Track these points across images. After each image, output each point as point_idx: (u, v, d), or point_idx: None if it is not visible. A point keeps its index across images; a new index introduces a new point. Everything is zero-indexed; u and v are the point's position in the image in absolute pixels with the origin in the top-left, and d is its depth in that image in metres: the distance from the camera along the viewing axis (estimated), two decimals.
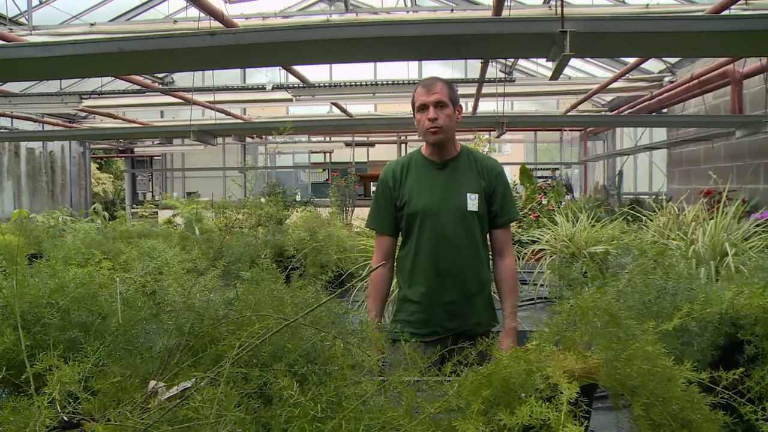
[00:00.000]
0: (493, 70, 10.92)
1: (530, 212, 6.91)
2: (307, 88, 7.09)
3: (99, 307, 1.82)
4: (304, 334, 1.57)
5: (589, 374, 1.62)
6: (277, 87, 7.59)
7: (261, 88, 7.68)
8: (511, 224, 3.05)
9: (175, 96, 8.91)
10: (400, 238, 2.96)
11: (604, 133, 13.30)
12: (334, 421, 0.97)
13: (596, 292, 1.57)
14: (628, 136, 11.96)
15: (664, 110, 9.68)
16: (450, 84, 2.78)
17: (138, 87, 7.94)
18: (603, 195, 10.41)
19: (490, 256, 2.92)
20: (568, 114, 10.35)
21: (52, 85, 9.39)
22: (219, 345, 1.48)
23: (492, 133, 8.13)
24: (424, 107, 2.74)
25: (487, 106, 10.58)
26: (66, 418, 1.44)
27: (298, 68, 7.03)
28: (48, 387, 1.54)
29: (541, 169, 15.50)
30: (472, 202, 2.82)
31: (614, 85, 8.88)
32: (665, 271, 2.28)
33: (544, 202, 7.41)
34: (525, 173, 9.31)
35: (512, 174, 12.16)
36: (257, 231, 6.42)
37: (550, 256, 4.30)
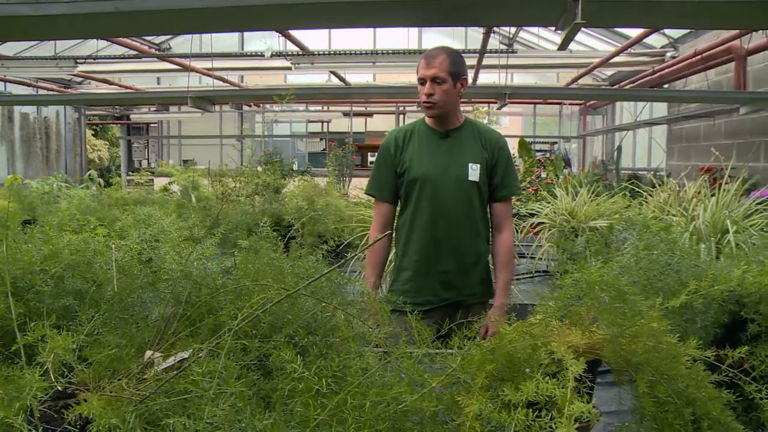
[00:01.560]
0: (495, 42, 10.81)
1: (529, 185, 6.88)
2: (306, 56, 6.99)
3: (94, 274, 1.79)
4: (304, 305, 1.54)
5: (593, 350, 1.60)
6: (276, 55, 7.48)
7: (260, 56, 7.56)
8: (512, 198, 3.01)
9: (171, 62, 8.78)
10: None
11: (603, 107, 13.20)
12: (339, 396, 0.94)
13: (602, 267, 1.54)
14: (627, 112, 11.88)
15: (666, 86, 9.59)
16: (455, 56, 2.72)
17: (134, 53, 7.81)
18: (601, 170, 10.37)
19: (490, 229, 2.90)
20: (570, 87, 10.26)
21: (46, 49, 9.24)
22: (217, 315, 1.45)
23: (492, 105, 8.05)
24: (422, 81, 2.70)
25: (486, 78, 10.46)
26: (60, 389, 1.41)
27: (297, 36, 6.93)
28: (41, 356, 1.51)
29: (540, 142, 15.42)
30: (473, 172, 2.80)
31: (615, 59, 8.79)
32: (669, 247, 2.26)
33: (543, 175, 7.36)
34: (524, 146, 9.25)
35: (511, 147, 12.10)
36: (254, 200, 6.38)
37: (549, 230, 4.27)
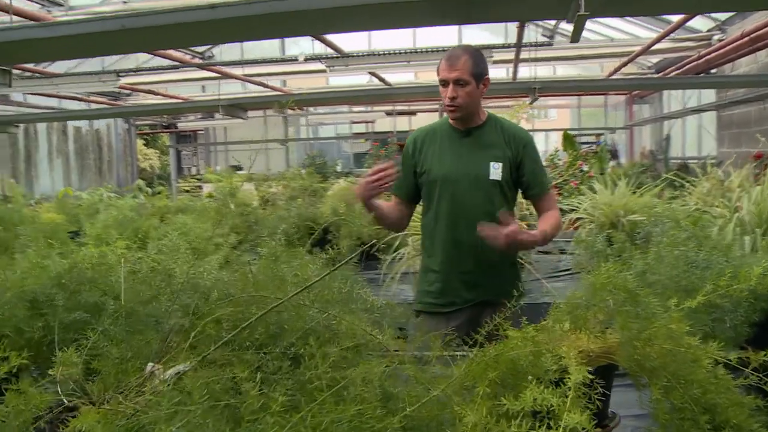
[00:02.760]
0: (535, 34, 10.63)
1: (571, 179, 6.74)
2: (341, 58, 7.00)
3: (110, 287, 1.82)
4: (306, 314, 1.53)
5: (608, 354, 1.54)
6: (310, 58, 7.51)
7: (293, 60, 7.60)
8: (550, 191, 2.93)
9: (211, 70, 8.92)
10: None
11: (650, 96, 12.84)
12: (301, 414, 0.92)
13: (615, 267, 1.48)
14: (675, 99, 11.52)
15: (713, 71, 9.27)
16: (477, 56, 2.68)
17: (173, 63, 7.97)
18: (650, 160, 10.08)
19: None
20: (606, 78, 10.00)
21: (93, 64, 9.51)
22: (217, 326, 1.45)
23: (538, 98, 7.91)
24: (444, 83, 2.67)
25: (526, 72, 10.32)
26: (66, 401, 1.43)
27: (331, 38, 6.94)
28: (52, 369, 1.54)
29: (586, 134, 15.10)
30: (495, 170, 2.75)
31: (659, 45, 8.52)
32: (699, 242, 2.17)
33: (585, 168, 7.20)
34: (568, 139, 9.06)
35: (557, 141, 11.88)
36: (295, 202, 6.42)
37: (589, 225, 4.17)
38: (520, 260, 4.06)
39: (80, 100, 11.86)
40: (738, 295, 1.51)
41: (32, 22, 1.94)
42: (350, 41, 10.13)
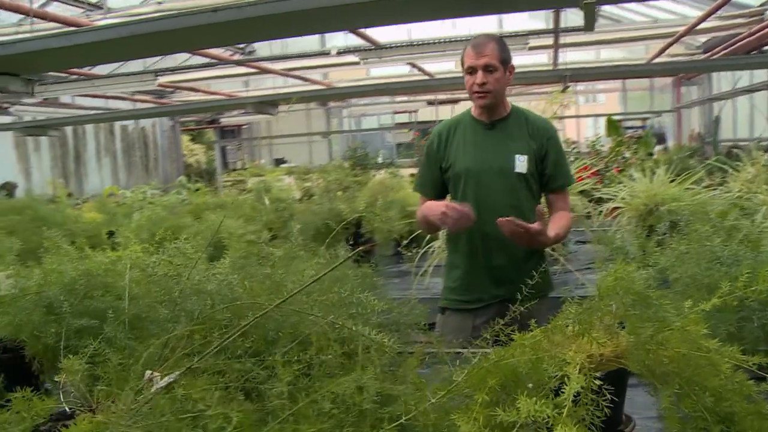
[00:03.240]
0: (577, 18, 10.36)
1: (613, 166, 6.56)
2: (375, 50, 6.95)
3: (122, 292, 1.83)
4: (307, 318, 1.51)
5: (620, 358, 1.48)
6: (343, 51, 7.48)
7: (325, 54, 7.59)
8: (567, 190, 2.87)
9: (249, 66, 8.99)
10: None
11: (698, 77, 12.41)
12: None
13: (624, 267, 1.41)
14: (725, 79, 11.09)
15: (766, 48, 8.87)
16: (502, 43, 2.65)
17: (211, 61, 8.06)
18: (698, 143, 9.75)
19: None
20: (647, 63, 9.67)
21: (136, 64, 9.69)
22: (213, 333, 1.43)
23: (581, 84, 7.72)
24: (472, 70, 2.63)
25: (570, 57, 10.07)
26: (68, 409, 1.45)
27: (367, 30, 6.90)
28: (58, 375, 1.56)
29: (632, 119, 14.70)
30: (521, 163, 2.71)
31: (706, 24, 8.18)
32: (729, 235, 2.07)
33: (627, 155, 6.99)
34: (612, 124, 8.82)
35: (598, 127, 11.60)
36: (328, 197, 6.42)
37: (627, 215, 4.04)
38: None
39: (126, 99, 12.11)
40: (757, 296, 1.43)
41: (51, 32, 1.99)
42: (388, 32, 10.05)
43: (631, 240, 2.31)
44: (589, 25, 2.08)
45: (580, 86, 16.32)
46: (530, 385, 1.30)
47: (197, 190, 7.25)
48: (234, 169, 19.12)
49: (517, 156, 2.72)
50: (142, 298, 1.68)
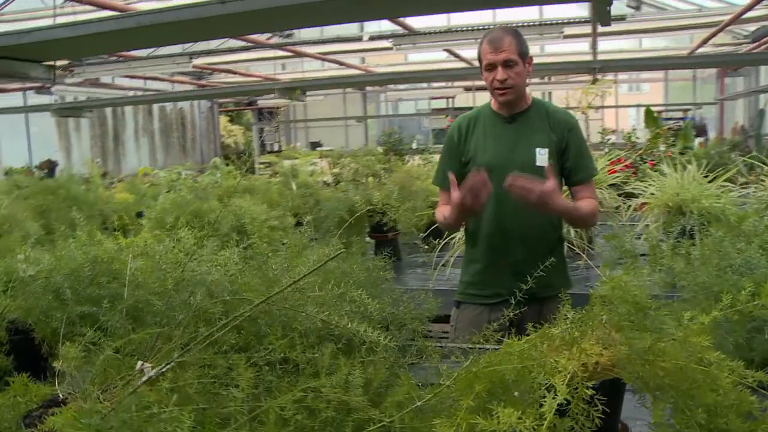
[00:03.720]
0: (621, 5, 10.12)
1: (648, 159, 6.41)
2: (408, 36, 6.89)
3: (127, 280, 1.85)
4: (300, 313, 1.50)
5: (615, 367, 1.44)
6: (376, 37, 7.43)
7: (357, 39, 7.55)
8: (592, 181, 2.81)
9: (285, 50, 9.02)
10: None
11: (745, 67, 12.01)
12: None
13: (621, 275, 1.37)
14: None
15: None
16: (519, 36, 2.59)
17: (246, 44, 8.09)
18: (741, 137, 9.46)
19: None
20: (688, 55, 9.39)
21: (174, 47, 9.78)
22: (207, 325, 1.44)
23: (608, 76, 7.55)
24: (491, 66, 2.58)
25: (608, 45, 9.87)
26: (61, 395, 1.47)
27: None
28: (55, 362, 1.58)
29: (674, 110, 14.33)
30: (542, 157, 2.66)
31: (754, 13, 7.91)
32: (748, 240, 1.99)
33: (662, 148, 6.82)
34: (649, 115, 8.60)
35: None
36: (361, 182, 6.41)
37: (654, 212, 3.95)
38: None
39: (164, 80, 12.26)
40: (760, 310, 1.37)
41: (67, 21, 2.03)
42: (426, 17, 9.94)
43: (651, 240, 2.24)
44: (603, 20, 2.01)
45: (623, 75, 15.99)
46: (516, 393, 1.28)
47: (228, 172, 7.32)
48: (270, 151, 19.27)
49: (537, 149, 2.67)
50: (143, 287, 1.69)
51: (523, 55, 2.57)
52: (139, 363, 1.44)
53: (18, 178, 6.29)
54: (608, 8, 1.76)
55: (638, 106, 11.98)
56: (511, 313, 2.50)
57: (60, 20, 4.61)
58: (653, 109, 9.66)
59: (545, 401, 1.18)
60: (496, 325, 1.86)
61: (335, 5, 2.07)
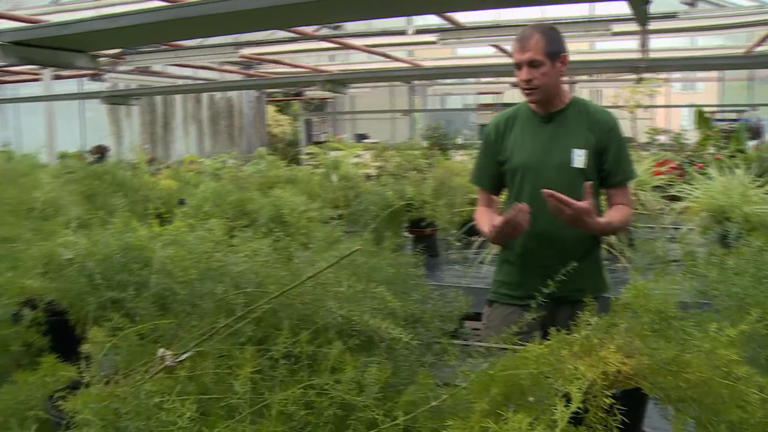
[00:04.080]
0: (675, 2, 9.85)
1: (697, 162, 6.23)
2: (454, 31, 6.83)
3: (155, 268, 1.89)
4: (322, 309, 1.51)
5: (638, 376, 1.41)
6: (421, 31, 7.40)
7: (401, 33, 7.54)
8: (629, 184, 2.76)
9: (332, 42, 9.06)
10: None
11: None
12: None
13: (643, 284, 1.34)
14: None
15: None
16: (550, 34, 2.53)
17: (293, 36, 8.16)
18: None
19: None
20: (745, 54, 9.07)
21: (224, 37, 9.92)
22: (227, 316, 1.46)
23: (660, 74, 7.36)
24: (518, 66, 2.55)
25: (661, 42, 9.61)
26: (86, 378, 1.51)
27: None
28: (83, 346, 1.63)
29: (728, 111, 13.90)
30: (579, 158, 2.61)
31: None
32: None
33: (712, 150, 6.62)
34: (701, 117, 8.36)
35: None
36: (402, 177, 6.39)
37: (697, 216, 3.85)
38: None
39: (213, 69, 12.43)
40: None
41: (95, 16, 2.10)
42: (476, 12, 9.82)
43: (686, 245, 2.18)
44: (641, 19, 1.96)
45: (677, 74, 15.57)
46: (531, 399, 1.26)
47: (273, 162, 7.38)
48: (316, 142, 19.40)
49: (574, 150, 2.63)
50: (171, 276, 1.72)
51: (552, 54, 2.52)
52: (161, 350, 1.47)
53: (69, 163, 6.46)
54: (644, 7, 1.70)
55: (689, 106, 11.65)
56: (541, 315, 2.49)
57: (106, 11, 4.72)
58: (706, 109, 9.39)
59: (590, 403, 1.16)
60: (525, 327, 1.85)
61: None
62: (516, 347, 1.44)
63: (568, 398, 1.20)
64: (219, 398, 1.02)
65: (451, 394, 1.33)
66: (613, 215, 2.55)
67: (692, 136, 8.66)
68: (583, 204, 2.31)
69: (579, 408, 1.19)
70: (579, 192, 2.59)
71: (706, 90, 21.74)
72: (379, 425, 1.22)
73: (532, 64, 2.49)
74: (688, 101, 17.22)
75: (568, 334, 1.34)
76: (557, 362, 1.26)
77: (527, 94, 2.58)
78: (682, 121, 16.61)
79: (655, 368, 1.28)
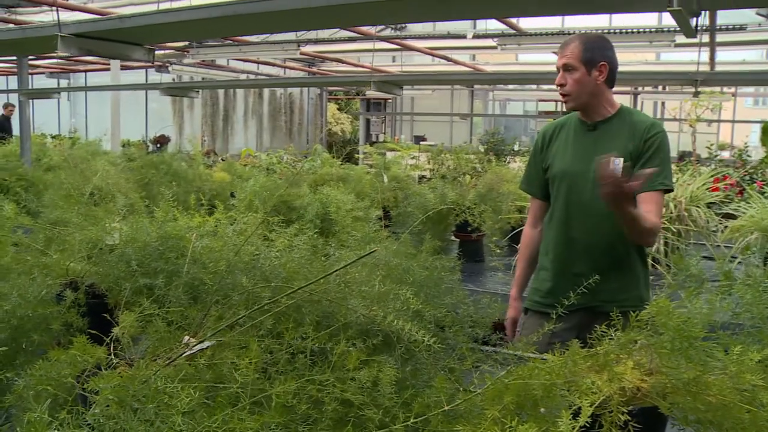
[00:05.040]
0: (751, 13, 9.51)
1: (758, 179, 6.00)
2: (514, 37, 6.77)
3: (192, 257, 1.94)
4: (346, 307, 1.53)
5: (657, 394, 1.38)
6: (481, 35, 7.35)
7: (461, 36, 7.49)
8: (658, 194, 2.65)
9: (393, 42, 9.10)
10: None
11: None
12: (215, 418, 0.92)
13: (664, 301, 1.31)
14: None
15: None
16: (590, 42, 2.49)
17: (353, 35, 8.23)
18: None
19: None
20: None
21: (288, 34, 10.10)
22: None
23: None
24: (558, 70, 2.52)
25: (733, 55, 9.25)
26: (115, 359, 1.57)
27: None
28: (114, 329, 1.69)
29: None
30: (616, 167, 2.54)
31: None
32: None
33: None
34: (766, 133, 8.04)
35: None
36: (452, 181, 6.38)
37: (750, 235, 3.72)
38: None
39: (276, 65, 12.64)
40: None
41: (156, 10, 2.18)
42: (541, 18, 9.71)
43: (723, 265, 2.11)
44: (687, 31, 1.90)
45: (748, 88, 15.02)
46: (543, 410, 1.25)
47: (328, 159, 7.47)
48: (374, 142, 19.48)
49: (613, 159, 2.57)
50: (203, 266, 1.77)
51: (588, 61, 2.47)
52: (186, 338, 1.51)
53: (130, 151, 6.69)
54: (690, 19, 1.66)
55: (752, 122, 11.24)
56: (572, 325, 2.45)
57: (175, 4, 4.86)
58: None
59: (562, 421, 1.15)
60: (557, 336, 1.83)
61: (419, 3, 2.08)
62: (534, 356, 1.43)
63: (577, 412, 1.19)
64: (225, 387, 1.05)
65: (465, 400, 1.33)
66: (643, 214, 2.48)
67: (757, 153, 8.34)
68: (630, 183, 2.24)
69: (589, 423, 1.18)
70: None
71: None
72: (389, 426, 1.24)
73: (567, 68, 2.47)
74: (760, 117, 16.59)
75: (583, 346, 1.33)
76: (571, 375, 1.25)
77: (562, 99, 2.56)
78: (752, 138, 16.03)
79: (672, 388, 1.25)
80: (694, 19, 1.85)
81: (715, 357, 1.30)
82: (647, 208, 2.53)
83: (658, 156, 2.56)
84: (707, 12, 6.20)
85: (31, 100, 7.12)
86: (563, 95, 2.51)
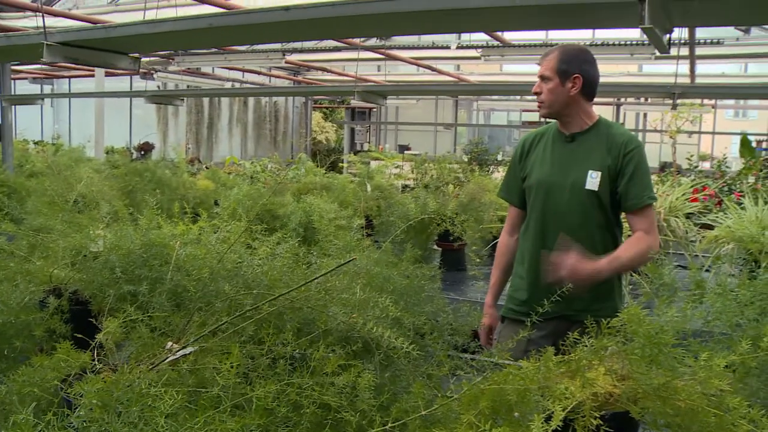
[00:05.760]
0: (730, 28, 9.70)
1: (736, 191, 6.11)
2: (497, 48, 6.85)
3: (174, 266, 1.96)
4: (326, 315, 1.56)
5: (628, 399, 1.42)
6: (463, 46, 7.43)
7: (445, 47, 7.58)
8: (648, 209, 2.71)
9: (378, 52, 9.16)
10: None
11: None
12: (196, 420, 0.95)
13: (636, 309, 1.35)
14: None
15: None
16: (567, 53, 2.54)
17: (337, 45, 8.27)
18: None
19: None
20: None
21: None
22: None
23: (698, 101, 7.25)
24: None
25: (713, 68, 9.42)
26: (98, 365, 1.59)
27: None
28: (98, 335, 1.71)
29: None
30: (593, 180, 2.59)
31: None
32: None
33: (751, 180, 6.47)
34: (745, 145, 8.19)
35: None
36: (434, 190, 6.43)
37: (726, 245, 3.79)
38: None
39: (261, 73, 12.66)
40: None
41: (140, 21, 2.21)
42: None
43: (695, 275, 2.16)
44: (661, 48, 1.96)
45: (728, 100, 15.27)
46: (516, 414, 1.29)
47: (311, 168, 7.49)
48: (358, 151, 19.51)
49: (590, 172, 2.60)
50: (186, 274, 1.79)
51: (563, 72, 2.52)
52: (169, 343, 1.54)
53: (114, 158, 6.68)
54: (662, 36, 1.71)
55: (732, 133, 11.42)
56: (546, 333, 2.49)
57: (160, 13, 4.88)
58: (754, 138, 9.19)
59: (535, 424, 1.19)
60: (532, 344, 1.86)
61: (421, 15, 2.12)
62: (509, 363, 1.47)
63: (550, 417, 1.22)
64: (207, 391, 1.07)
65: (442, 405, 1.36)
66: (621, 250, 2.51)
67: (737, 164, 8.48)
68: (568, 259, 2.31)
69: (562, 427, 1.21)
70: (590, 214, 2.58)
71: (759, 118, 21.25)
72: (367, 429, 1.27)
73: (542, 78, 2.54)
74: (740, 128, 16.83)
75: (558, 353, 1.37)
76: (545, 380, 1.29)
77: (539, 108, 2.62)
78: (732, 149, 16.26)
79: (642, 393, 1.29)
80: (668, 35, 1.90)
81: (685, 363, 1.34)
82: (640, 225, 2.57)
83: (638, 172, 2.60)
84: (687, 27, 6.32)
85: (13, 106, 7.08)
86: (538, 104, 2.58)
